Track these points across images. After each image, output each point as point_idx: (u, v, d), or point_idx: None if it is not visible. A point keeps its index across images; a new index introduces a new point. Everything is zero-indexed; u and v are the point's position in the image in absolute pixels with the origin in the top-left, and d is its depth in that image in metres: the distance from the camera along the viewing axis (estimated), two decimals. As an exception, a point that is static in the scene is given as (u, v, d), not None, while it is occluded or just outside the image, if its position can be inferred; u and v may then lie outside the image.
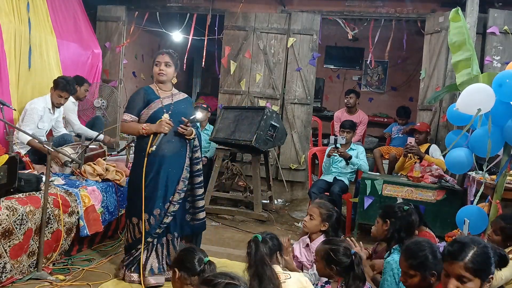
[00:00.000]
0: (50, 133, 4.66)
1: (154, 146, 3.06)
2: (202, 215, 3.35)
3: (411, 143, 4.79)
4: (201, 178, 3.31)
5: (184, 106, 3.27)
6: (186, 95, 3.36)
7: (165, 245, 3.24)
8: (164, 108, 3.15)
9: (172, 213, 3.18)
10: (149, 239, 3.15)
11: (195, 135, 3.22)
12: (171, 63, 3.17)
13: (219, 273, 1.60)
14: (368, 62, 6.15)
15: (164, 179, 3.14)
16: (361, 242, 2.79)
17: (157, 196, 3.13)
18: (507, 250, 2.70)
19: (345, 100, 6.20)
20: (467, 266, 1.72)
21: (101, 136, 4.68)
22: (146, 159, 3.09)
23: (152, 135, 3.10)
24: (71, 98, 5.06)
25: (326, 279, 2.34)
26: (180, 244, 3.30)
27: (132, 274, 3.14)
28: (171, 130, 3.11)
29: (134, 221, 3.17)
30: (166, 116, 3.11)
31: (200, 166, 3.30)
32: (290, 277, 2.20)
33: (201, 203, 3.33)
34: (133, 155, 4.51)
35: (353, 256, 2.26)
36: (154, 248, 3.19)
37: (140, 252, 3.14)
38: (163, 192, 3.14)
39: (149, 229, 3.13)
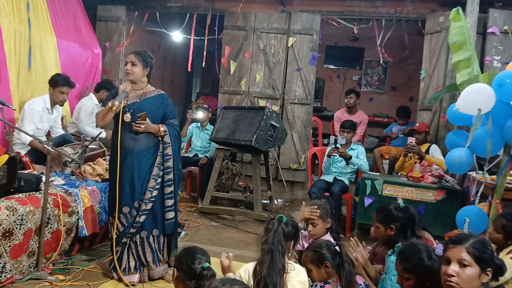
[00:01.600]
0: (48, 134, 4.66)
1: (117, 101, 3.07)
2: (171, 215, 3.24)
3: (411, 142, 4.78)
4: (170, 176, 3.21)
5: (152, 103, 3.21)
6: (161, 92, 3.29)
7: (139, 243, 3.18)
8: (126, 107, 3.15)
9: (145, 212, 3.14)
10: (124, 239, 3.14)
11: (165, 132, 3.17)
12: (136, 62, 3.16)
13: (225, 279, 1.61)
14: (381, 61, 6.08)
15: (129, 176, 3.11)
16: (363, 242, 2.78)
17: (123, 194, 3.11)
18: (508, 248, 2.70)
19: (345, 100, 6.20)
20: (469, 250, 1.78)
21: (103, 134, 4.68)
22: (110, 154, 3.23)
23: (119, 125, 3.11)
24: (95, 100, 5.08)
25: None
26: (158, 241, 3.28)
27: (124, 277, 3.14)
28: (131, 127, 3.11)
29: (110, 220, 3.20)
30: (127, 117, 3.12)
31: (170, 164, 3.19)
32: (294, 269, 2.25)
33: (170, 202, 3.23)
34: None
35: (338, 247, 2.32)
36: (126, 247, 3.17)
37: (120, 252, 3.17)
38: (129, 190, 3.11)
39: (122, 229, 3.13)
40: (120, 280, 3.15)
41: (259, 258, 2.21)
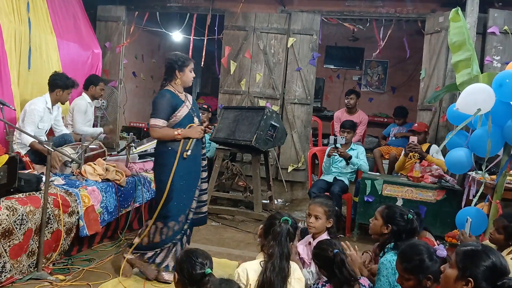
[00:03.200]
0: (51, 133, 4.67)
1: (190, 151, 3.16)
2: (205, 208, 3.46)
3: (413, 142, 4.76)
4: (206, 173, 3.43)
5: (196, 105, 3.43)
6: (189, 94, 3.46)
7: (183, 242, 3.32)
8: (191, 112, 3.26)
9: (193, 210, 3.30)
10: (178, 236, 3.23)
11: None
12: None
13: (222, 280, 1.60)
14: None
15: (195, 180, 3.26)
16: (356, 246, 2.76)
17: (188, 198, 3.23)
18: (509, 249, 2.71)
19: (346, 101, 6.19)
20: (457, 252, 1.79)
21: (102, 136, 4.71)
22: (176, 162, 3.12)
23: (183, 139, 3.17)
24: (87, 98, 5.11)
25: (326, 278, 2.35)
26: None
27: (163, 274, 3.20)
28: None
29: (159, 225, 3.18)
30: (196, 121, 3.25)
31: (206, 162, 3.43)
32: (291, 266, 2.28)
33: (205, 197, 3.44)
34: (133, 155, 4.54)
35: (335, 256, 2.27)
36: (174, 247, 3.25)
37: (165, 249, 3.22)
38: (193, 193, 3.26)
39: (171, 235, 3.18)
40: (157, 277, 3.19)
41: (267, 263, 2.21)
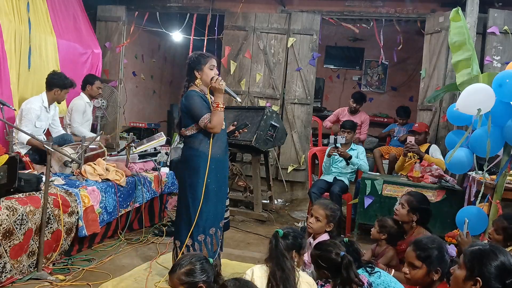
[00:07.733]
0: (48, 133, 4.67)
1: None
2: (227, 213, 3.32)
3: (410, 141, 4.77)
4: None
5: None
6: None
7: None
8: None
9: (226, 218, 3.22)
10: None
11: None
12: None
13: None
14: (383, 60, 5.99)
15: (225, 184, 3.14)
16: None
17: (221, 209, 3.08)
18: (507, 249, 2.70)
19: (353, 106, 6.17)
20: (464, 252, 1.83)
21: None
22: (208, 163, 2.90)
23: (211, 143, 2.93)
24: (86, 98, 5.12)
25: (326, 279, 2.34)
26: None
27: None
28: (223, 131, 3.04)
29: (200, 238, 2.98)
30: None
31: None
32: (300, 276, 2.24)
33: (227, 201, 3.29)
34: (133, 155, 4.53)
35: (342, 259, 2.24)
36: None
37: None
38: (225, 198, 3.15)
39: (216, 241, 3.04)
40: None
41: (271, 271, 2.20)
